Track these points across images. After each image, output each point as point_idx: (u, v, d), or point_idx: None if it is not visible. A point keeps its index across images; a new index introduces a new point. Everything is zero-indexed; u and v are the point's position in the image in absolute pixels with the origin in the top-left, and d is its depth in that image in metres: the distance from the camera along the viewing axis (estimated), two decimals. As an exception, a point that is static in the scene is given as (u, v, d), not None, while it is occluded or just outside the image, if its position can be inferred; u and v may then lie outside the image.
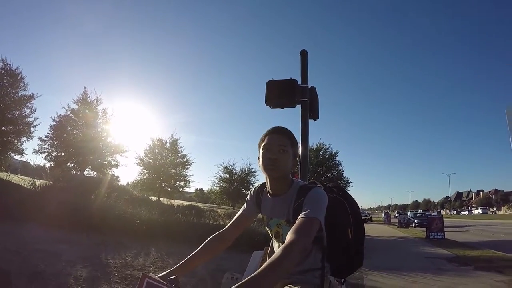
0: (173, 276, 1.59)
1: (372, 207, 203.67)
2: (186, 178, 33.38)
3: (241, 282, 1.13)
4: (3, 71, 21.38)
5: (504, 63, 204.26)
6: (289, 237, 1.39)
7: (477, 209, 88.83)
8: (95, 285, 5.34)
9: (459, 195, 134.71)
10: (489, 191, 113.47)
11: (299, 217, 1.51)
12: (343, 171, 32.52)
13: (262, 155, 1.74)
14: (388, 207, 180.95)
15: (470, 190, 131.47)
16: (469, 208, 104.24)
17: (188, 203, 32.22)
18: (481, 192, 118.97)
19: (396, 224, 33.09)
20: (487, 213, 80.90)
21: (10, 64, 21.71)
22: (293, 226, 1.47)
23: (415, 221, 32.52)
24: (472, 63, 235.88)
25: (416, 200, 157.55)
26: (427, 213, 44.06)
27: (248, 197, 2.02)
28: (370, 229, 26.91)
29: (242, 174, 37.36)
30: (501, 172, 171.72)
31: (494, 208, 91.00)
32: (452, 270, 8.99)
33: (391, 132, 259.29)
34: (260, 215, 2.01)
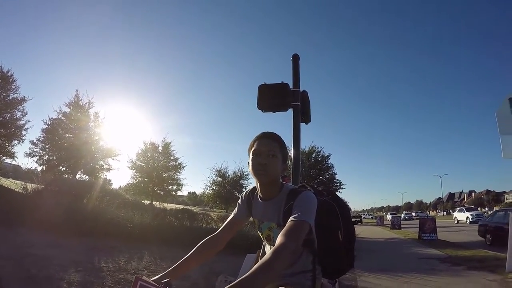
0: (166, 280, 1.60)
1: (365, 209, 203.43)
2: (178, 181, 33.51)
3: (232, 283, 1.16)
4: (-6, 74, 21.27)
5: (497, 63, 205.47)
6: (278, 240, 1.41)
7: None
8: (88, 289, 5.33)
9: (451, 196, 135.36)
10: (481, 192, 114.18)
11: (289, 220, 1.54)
12: (336, 174, 32.62)
13: (252, 160, 1.77)
14: (381, 208, 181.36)
15: (462, 191, 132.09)
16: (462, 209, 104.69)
17: (181, 206, 32.26)
18: (473, 193, 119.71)
19: (389, 225, 33.12)
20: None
21: (1, 66, 21.66)
22: (283, 229, 1.49)
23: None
24: (464, 63, 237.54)
25: (409, 202, 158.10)
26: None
27: (240, 201, 2.05)
28: (363, 231, 27.00)
29: (235, 177, 37.56)
30: (493, 173, 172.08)
31: (486, 209, 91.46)
32: (445, 270, 9.02)
33: (382, 134, 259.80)
34: (251, 219, 2.04)
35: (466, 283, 7.40)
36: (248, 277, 1.18)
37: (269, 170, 1.73)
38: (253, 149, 1.79)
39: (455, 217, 40.61)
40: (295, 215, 1.55)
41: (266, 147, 1.76)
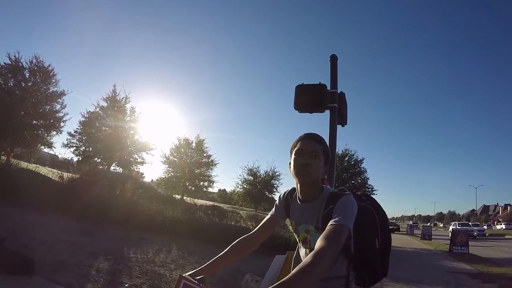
0: (200, 276, 1.60)
1: (395, 217, 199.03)
2: (210, 178, 33.75)
3: (273, 285, 1.14)
4: (36, 68, 22.00)
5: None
6: (319, 243, 1.38)
7: (501, 223, 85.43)
8: (116, 278, 5.43)
9: (485, 208, 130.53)
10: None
11: (329, 224, 1.50)
12: (368, 179, 32.02)
13: (294, 160, 1.75)
14: (412, 217, 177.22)
15: (498, 204, 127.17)
16: (494, 222, 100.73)
17: (211, 203, 32.45)
18: (508, 207, 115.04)
19: (419, 235, 32.31)
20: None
21: (42, 61, 22.34)
22: (323, 233, 1.46)
23: None
24: (504, 72, 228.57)
25: (441, 212, 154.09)
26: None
27: (277, 201, 2.02)
28: (393, 240, 26.29)
29: (266, 177, 37.68)
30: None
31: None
32: (475, 287, 8.73)
33: (417, 140, 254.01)
34: (287, 220, 2.01)
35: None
36: (289, 280, 1.16)
37: (311, 171, 1.70)
38: (295, 149, 1.76)
39: None
40: (336, 219, 1.51)
41: (309, 148, 1.73)
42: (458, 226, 36.41)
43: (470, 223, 49.77)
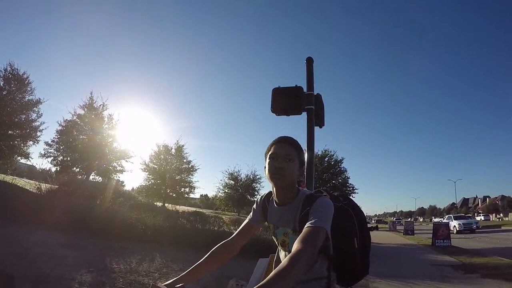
0: (180, 285, 1.59)
1: (377, 214, 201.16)
2: (191, 184, 33.64)
3: None
4: (10, 76, 21.54)
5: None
6: (295, 246, 1.38)
7: (480, 215, 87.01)
8: (100, 290, 5.35)
9: (465, 201, 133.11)
10: (496, 197, 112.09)
11: (306, 226, 1.51)
12: (349, 178, 32.28)
13: (268, 164, 1.75)
14: (394, 213, 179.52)
15: (477, 197, 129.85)
16: (474, 214, 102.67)
17: (193, 209, 32.33)
18: (487, 199, 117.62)
19: (402, 231, 32.69)
20: (490, 219, 78.98)
21: (17, 69, 21.89)
22: (299, 236, 1.46)
23: None
24: (480, 64, 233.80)
25: (422, 207, 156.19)
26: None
27: (255, 205, 2.03)
28: (376, 236, 26.71)
29: (247, 180, 37.83)
30: (508, 178, 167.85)
31: (501, 215, 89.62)
32: (459, 278, 8.87)
33: (396, 138, 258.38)
34: (266, 224, 2.01)
35: (481, 291, 7.26)
36: (265, 285, 1.16)
37: (286, 175, 1.71)
38: (270, 153, 1.77)
39: None
40: (312, 221, 1.52)
41: (283, 151, 1.73)
42: (454, 219, 34.19)
43: (467, 215, 47.01)
